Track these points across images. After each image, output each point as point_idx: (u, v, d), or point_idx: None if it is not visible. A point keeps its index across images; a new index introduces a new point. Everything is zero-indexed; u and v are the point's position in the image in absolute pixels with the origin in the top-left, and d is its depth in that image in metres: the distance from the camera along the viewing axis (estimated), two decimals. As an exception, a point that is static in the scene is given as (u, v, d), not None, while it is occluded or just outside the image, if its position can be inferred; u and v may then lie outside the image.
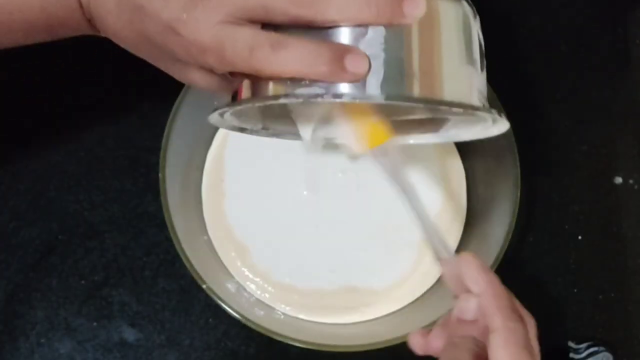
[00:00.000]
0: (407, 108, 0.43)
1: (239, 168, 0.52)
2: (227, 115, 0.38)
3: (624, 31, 0.60)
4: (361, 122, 0.37)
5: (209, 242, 0.51)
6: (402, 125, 0.44)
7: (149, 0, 0.32)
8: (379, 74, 0.30)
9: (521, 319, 0.33)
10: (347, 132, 0.38)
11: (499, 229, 0.47)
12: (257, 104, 0.32)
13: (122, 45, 0.37)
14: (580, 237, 0.55)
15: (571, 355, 0.51)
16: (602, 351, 0.50)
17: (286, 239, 0.51)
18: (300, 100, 0.30)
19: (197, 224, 0.51)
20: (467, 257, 0.35)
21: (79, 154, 0.53)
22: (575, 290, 0.53)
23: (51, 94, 0.53)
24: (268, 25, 0.31)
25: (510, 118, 0.42)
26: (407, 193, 0.38)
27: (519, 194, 0.47)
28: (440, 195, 0.52)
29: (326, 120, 0.42)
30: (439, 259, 0.37)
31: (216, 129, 0.53)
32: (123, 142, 0.53)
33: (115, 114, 0.53)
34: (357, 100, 0.30)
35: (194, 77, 0.35)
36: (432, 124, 0.44)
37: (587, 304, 0.53)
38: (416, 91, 0.30)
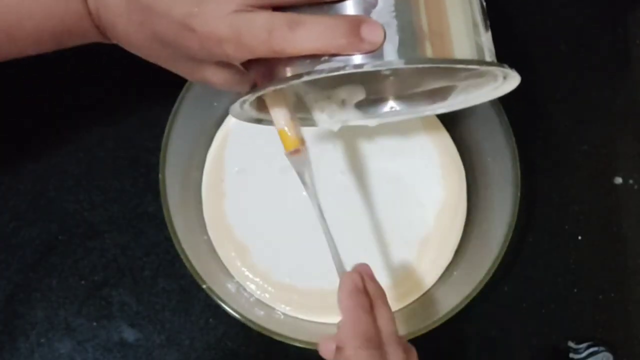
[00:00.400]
0: (417, 79, 0.44)
1: (239, 168, 0.52)
2: (246, 106, 0.38)
3: (624, 31, 0.60)
4: (287, 124, 0.39)
5: (209, 242, 0.51)
6: (410, 99, 0.44)
7: None
8: (394, 41, 0.30)
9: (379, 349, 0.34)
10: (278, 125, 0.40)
11: (499, 229, 0.47)
12: (281, 86, 0.32)
13: (133, 51, 0.36)
14: (580, 237, 0.55)
15: (571, 355, 0.51)
16: (602, 351, 0.50)
17: (286, 239, 0.51)
18: (323, 75, 0.30)
19: (197, 224, 0.51)
20: (344, 278, 0.37)
21: (78, 154, 0.53)
22: (575, 290, 0.53)
23: (51, 94, 0.53)
24: (279, 8, 0.31)
25: (510, 118, 0.42)
26: (312, 200, 0.40)
27: (519, 194, 0.47)
28: (441, 195, 0.52)
29: (342, 103, 0.42)
30: (339, 272, 0.39)
31: (216, 129, 0.53)
32: (123, 142, 0.53)
33: (115, 114, 0.53)
34: (378, 68, 0.31)
35: (208, 75, 0.35)
36: (440, 93, 0.44)
37: (587, 304, 0.53)
38: (430, 53, 0.31)
